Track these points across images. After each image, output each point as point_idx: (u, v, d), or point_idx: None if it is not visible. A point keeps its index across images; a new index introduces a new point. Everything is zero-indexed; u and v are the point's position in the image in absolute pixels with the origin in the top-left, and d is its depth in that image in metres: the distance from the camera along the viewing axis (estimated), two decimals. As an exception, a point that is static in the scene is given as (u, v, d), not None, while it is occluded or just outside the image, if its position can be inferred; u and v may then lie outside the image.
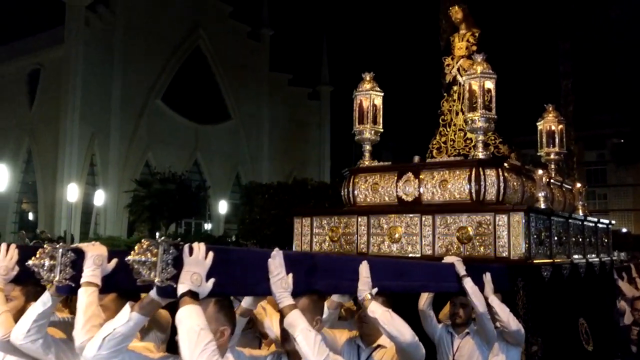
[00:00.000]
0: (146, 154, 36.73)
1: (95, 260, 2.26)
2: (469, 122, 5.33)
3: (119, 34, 35.25)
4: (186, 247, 2.03)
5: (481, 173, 5.03)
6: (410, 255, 5.05)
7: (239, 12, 42.65)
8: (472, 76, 5.31)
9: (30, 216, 35.11)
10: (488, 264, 4.31)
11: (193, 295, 1.98)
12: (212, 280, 2.05)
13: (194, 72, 39.24)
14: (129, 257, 1.96)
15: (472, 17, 6.45)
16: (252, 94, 42.31)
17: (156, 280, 1.93)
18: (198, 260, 2.03)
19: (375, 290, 2.86)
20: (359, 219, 5.44)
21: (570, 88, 23.73)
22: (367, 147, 5.98)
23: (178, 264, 1.99)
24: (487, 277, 3.80)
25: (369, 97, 5.97)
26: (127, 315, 2.04)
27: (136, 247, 1.98)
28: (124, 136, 35.55)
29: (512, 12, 26.22)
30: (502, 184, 5.01)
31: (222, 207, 35.49)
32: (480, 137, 5.30)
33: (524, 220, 4.55)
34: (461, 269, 3.69)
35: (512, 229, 4.59)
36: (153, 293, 2.04)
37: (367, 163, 5.93)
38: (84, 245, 2.33)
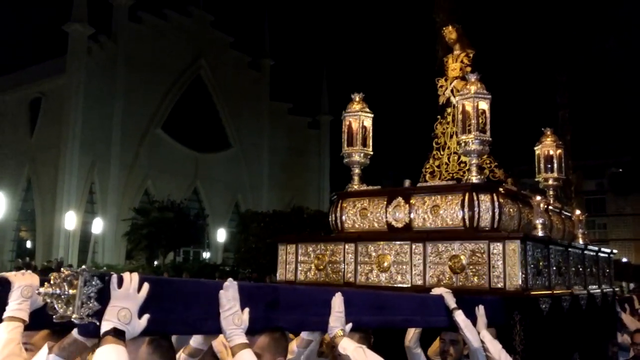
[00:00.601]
0: (146, 182, 36.64)
1: (23, 292, 1.99)
2: (462, 144, 5.04)
3: (121, 63, 35.46)
4: (114, 277, 1.74)
5: (475, 198, 4.74)
6: (400, 285, 4.74)
7: (240, 42, 43.12)
8: (466, 96, 5.05)
9: (28, 244, 34.83)
10: (482, 295, 4.04)
11: (118, 333, 1.68)
12: (145, 317, 1.75)
13: (195, 101, 39.40)
14: (41, 289, 1.67)
15: (467, 38, 6.28)
16: (253, 122, 42.40)
17: (74, 316, 1.64)
18: (128, 294, 1.73)
19: (349, 326, 2.60)
20: (346, 246, 5.14)
21: (567, 118, 23.75)
22: (356, 171, 5.71)
23: (103, 297, 1.70)
24: (480, 311, 3.55)
25: (358, 118, 5.73)
26: (44, 358, 1.78)
27: (51, 277, 1.69)
28: (124, 164, 35.49)
29: (510, 46, 26.33)
30: (497, 210, 4.71)
31: (221, 235, 35.18)
32: (474, 161, 5.01)
33: (520, 249, 4.26)
34: (451, 302, 3.44)
35: (507, 258, 4.29)
36: (75, 332, 1.77)
37: (356, 187, 5.65)
38: (10, 275, 2.06)
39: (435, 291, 3.59)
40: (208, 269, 26.36)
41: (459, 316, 3.38)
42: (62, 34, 33.05)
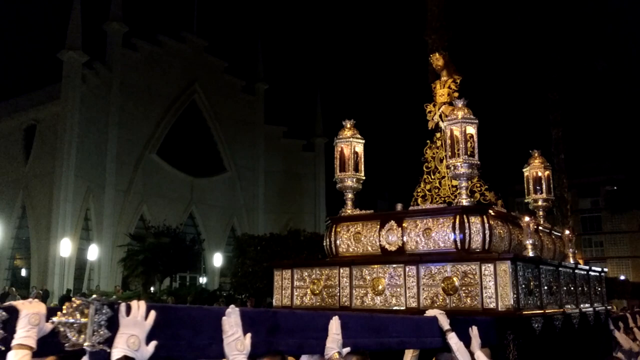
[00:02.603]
0: (141, 207, 36.60)
1: (31, 320, 2.04)
2: (452, 168, 5.18)
3: (115, 89, 35.65)
4: (122, 306, 1.84)
5: (465, 220, 4.86)
6: (395, 308, 4.81)
7: (234, 67, 43.48)
8: (453, 122, 5.19)
9: (23, 272, 34.58)
10: (474, 316, 4.11)
11: None
12: (153, 343, 1.85)
13: (190, 126, 39.57)
14: (55, 319, 1.77)
15: (454, 64, 6.43)
16: (248, 146, 42.55)
17: (86, 344, 1.73)
18: (136, 321, 1.84)
19: (347, 349, 2.70)
20: (341, 270, 5.22)
21: (561, 136, 23.96)
22: (349, 195, 5.85)
23: (113, 325, 1.80)
24: (474, 331, 3.62)
25: (350, 144, 5.89)
26: None
27: (64, 307, 1.79)
28: (119, 190, 35.49)
29: (503, 65, 26.65)
30: (487, 232, 4.82)
31: (217, 260, 35.05)
32: (464, 184, 5.14)
33: (510, 269, 4.36)
34: (445, 323, 3.51)
35: (499, 278, 4.38)
36: (86, 359, 1.86)
37: (349, 212, 5.76)
38: (18, 303, 2.13)
39: (430, 313, 3.66)
40: (205, 294, 26.24)
41: (452, 339, 3.43)
42: (56, 61, 33.23)
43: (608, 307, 7.46)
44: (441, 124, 6.00)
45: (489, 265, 4.42)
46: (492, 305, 4.36)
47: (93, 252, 30.81)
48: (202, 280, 37.53)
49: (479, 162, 5.14)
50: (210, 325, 2.16)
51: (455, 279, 4.57)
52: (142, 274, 28.69)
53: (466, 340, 3.52)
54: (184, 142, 38.80)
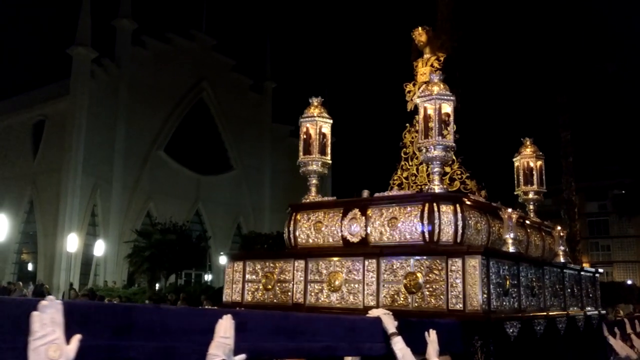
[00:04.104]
0: (148, 204, 36.72)
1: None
2: (423, 150, 4.56)
3: (124, 86, 35.80)
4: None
5: (435, 209, 4.26)
6: (352, 306, 4.24)
7: (242, 65, 43.54)
8: (427, 98, 4.58)
9: (30, 267, 34.76)
10: (438, 318, 3.61)
11: None
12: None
13: (197, 124, 39.67)
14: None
15: (438, 40, 5.83)
16: (255, 144, 42.58)
17: None
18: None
19: (241, 357, 2.11)
20: (296, 263, 4.61)
21: (569, 139, 23.77)
22: (314, 181, 5.27)
23: None
24: (432, 336, 3.13)
25: (316, 124, 5.28)
26: None
27: None
28: (126, 187, 35.62)
29: (511, 68, 26.47)
30: (460, 223, 4.23)
31: (223, 257, 35.06)
32: (437, 169, 4.53)
33: (481, 265, 3.78)
34: (390, 325, 2.98)
35: (467, 275, 3.80)
36: None
37: (312, 199, 5.16)
38: None
39: (373, 313, 3.14)
40: (211, 292, 26.26)
41: (397, 344, 2.93)
42: (65, 57, 33.43)
43: (602, 312, 6.79)
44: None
45: (457, 260, 3.86)
46: (459, 306, 3.80)
47: (99, 248, 30.92)
48: (208, 277, 37.59)
49: (453, 144, 4.58)
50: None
51: (419, 274, 4.02)
52: (148, 270, 28.77)
53: (423, 347, 3.09)
54: (191, 139, 38.90)
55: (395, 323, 3.01)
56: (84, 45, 32.99)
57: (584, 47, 25.18)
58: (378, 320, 3.02)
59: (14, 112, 35.88)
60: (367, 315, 3.14)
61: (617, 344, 6.51)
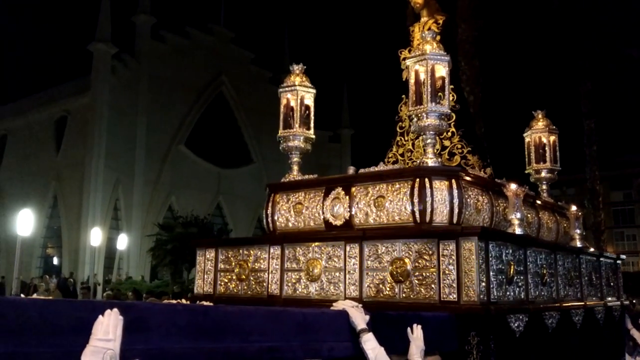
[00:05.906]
0: (169, 198, 36.99)
1: None
2: (414, 119, 3.97)
3: (144, 81, 36.01)
4: None
5: (427, 186, 3.68)
6: (333, 298, 3.68)
7: (261, 58, 43.49)
8: (418, 59, 3.97)
9: (55, 261, 35.28)
10: (424, 312, 3.15)
11: None
12: None
13: (217, 118, 39.79)
14: None
15: (436, 2, 5.27)
16: (275, 137, 42.40)
17: None
18: None
19: None
20: (272, 250, 4.15)
21: (593, 128, 23.34)
22: (295, 159, 4.74)
23: None
24: (416, 333, 2.64)
25: (297, 94, 4.74)
26: None
27: None
28: (148, 181, 35.90)
29: (533, 55, 26.06)
30: (456, 201, 3.67)
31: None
32: (430, 140, 3.94)
33: (478, 249, 3.25)
34: (359, 320, 2.49)
35: (462, 261, 3.26)
36: None
37: (292, 178, 4.64)
38: None
39: (338, 305, 2.66)
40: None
41: (367, 342, 2.43)
42: (86, 53, 33.75)
43: (625, 302, 6.13)
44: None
45: (450, 243, 3.32)
46: (453, 297, 3.27)
47: (122, 242, 31.22)
48: (229, 270, 37.82)
49: (449, 112, 4.05)
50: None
51: (407, 260, 3.49)
52: (171, 263, 29.02)
53: (405, 345, 2.63)
54: (211, 133, 39.05)
55: (366, 317, 2.54)
56: (104, 42, 33.28)
57: (608, 32, 24.67)
58: (344, 314, 2.53)
59: (37, 108, 36.39)
60: (331, 308, 2.66)
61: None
